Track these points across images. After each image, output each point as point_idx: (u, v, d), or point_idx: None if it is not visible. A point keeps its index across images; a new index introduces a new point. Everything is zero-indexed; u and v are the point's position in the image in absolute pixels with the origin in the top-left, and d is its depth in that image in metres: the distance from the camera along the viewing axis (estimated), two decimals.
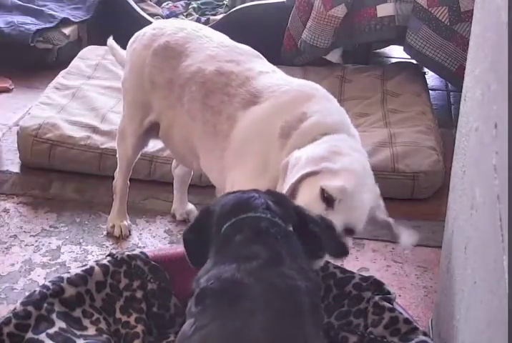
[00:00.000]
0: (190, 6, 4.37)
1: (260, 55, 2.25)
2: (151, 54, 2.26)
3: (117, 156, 2.52)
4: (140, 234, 2.60)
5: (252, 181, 1.91)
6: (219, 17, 4.01)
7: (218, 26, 3.77)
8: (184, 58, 2.21)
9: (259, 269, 1.39)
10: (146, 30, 2.35)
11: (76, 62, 3.59)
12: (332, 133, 1.89)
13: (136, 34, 2.38)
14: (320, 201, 1.71)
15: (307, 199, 1.73)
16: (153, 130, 2.35)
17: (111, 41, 2.66)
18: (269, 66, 2.19)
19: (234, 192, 1.62)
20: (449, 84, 3.74)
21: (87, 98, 3.24)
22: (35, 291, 1.78)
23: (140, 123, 2.35)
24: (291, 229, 1.53)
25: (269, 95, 2.04)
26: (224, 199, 1.59)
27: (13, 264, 2.41)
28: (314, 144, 1.86)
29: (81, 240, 2.55)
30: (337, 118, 1.97)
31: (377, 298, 1.76)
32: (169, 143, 2.34)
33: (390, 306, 1.75)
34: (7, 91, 3.66)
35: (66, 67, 3.52)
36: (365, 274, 2.01)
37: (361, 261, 2.46)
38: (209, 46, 2.22)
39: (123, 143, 2.45)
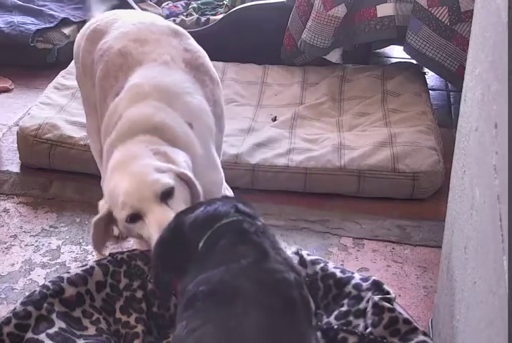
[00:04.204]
0: (190, 6, 4.36)
1: (180, 32, 2.20)
2: (84, 40, 2.29)
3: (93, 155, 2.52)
4: None
5: None
6: (219, 17, 4.01)
7: (218, 26, 3.79)
8: (104, 36, 2.22)
9: (247, 268, 1.42)
10: (87, 23, 2.38)
11: None
12: (125, 143, 1.90)
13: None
14: None
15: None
16: None
17: None
18: (173, 52, 2.11)
19: (197, 208, 1.62)
20: (449, 84, 3.74)
21: None
22: (35, 291, 1.78)
23: (95, 113, 2.35)
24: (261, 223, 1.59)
25: (125, 89, 2.03)
26: (190, 217, 1.59)
27: (13, 264, 2.41)
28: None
29: (81, 240, 2.55)
30: (136, 123, 1.93)
31: (376, 298, 1.76)
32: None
33: (390, 306, 1.75)
34: (7, 91, 3.66)
35: (66, 67, 3.52)
36: (365, 274, 2.01)
37: (361, 261, 2.46)
38: (129, 23, 2.20)
39: (92, 140, 2.47)
